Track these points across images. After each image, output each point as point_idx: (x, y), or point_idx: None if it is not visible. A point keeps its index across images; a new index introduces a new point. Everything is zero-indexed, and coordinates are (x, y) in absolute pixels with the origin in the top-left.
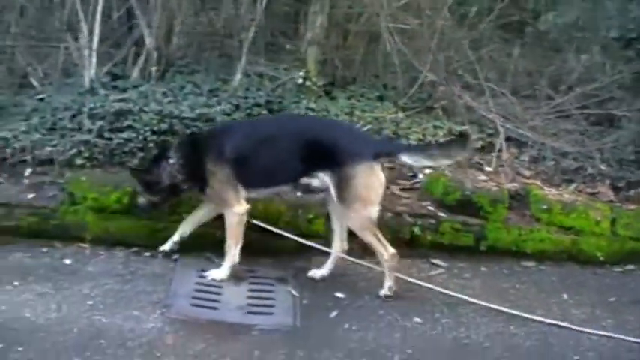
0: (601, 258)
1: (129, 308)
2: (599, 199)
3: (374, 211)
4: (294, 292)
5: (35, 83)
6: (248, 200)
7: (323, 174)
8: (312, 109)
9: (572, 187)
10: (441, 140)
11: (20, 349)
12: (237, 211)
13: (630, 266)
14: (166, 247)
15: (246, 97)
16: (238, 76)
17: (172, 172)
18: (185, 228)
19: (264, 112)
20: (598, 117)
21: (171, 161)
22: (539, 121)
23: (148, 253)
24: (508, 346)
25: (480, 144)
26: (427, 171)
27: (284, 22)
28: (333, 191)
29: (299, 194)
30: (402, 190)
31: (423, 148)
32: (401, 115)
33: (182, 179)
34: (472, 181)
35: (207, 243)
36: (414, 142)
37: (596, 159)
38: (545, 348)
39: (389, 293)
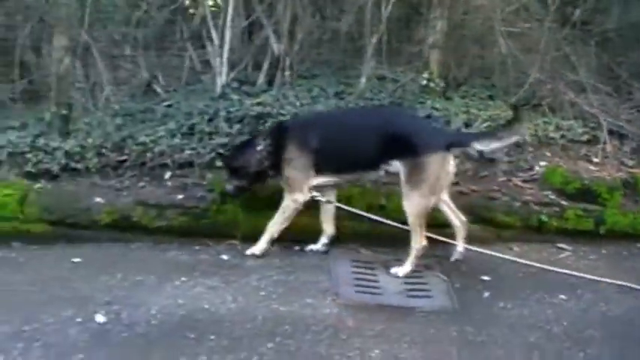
0: None
1: (301, 297)
2: None
3: (433, 200)
4: (443, 277)
5: (159, 90)
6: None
7: (398, 162)
8: (437, 109)
9: None
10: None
11: (212, 337)
12: (297, 198)
13: None
14: (318, 246)
15: (372, 99)
16: (364, 80)
17: (260, 158)
18: (328, 227)
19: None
20: None
21: (258, 148)
22: (627, 114)
23: (297, 247)
24: None
25: (586, 137)
26: (542, 163)
27: (399, 27)
28: (403, 177)
29: None
30: (524, 181)
31: (489, 133)
32: (511, 113)
33: (268, 165)
34: (585, 171)
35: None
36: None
37: None
38: None
39: (400, 275)
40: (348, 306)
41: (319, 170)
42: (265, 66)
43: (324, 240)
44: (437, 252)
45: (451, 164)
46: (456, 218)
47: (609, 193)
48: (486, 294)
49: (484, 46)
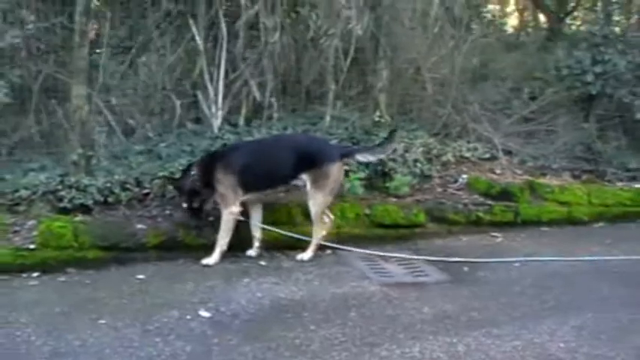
0: (585, 219)
1: (346, 282)
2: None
3: (331, 198)
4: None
5: (150, 135)
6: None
7: (305, 174)
8: (387, 138)
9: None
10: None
11: (305, 314)
12: (233, 210)
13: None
14: (252, 252)
15: (333, 134)
16: (328, 119)
17: (192, 180)
18: (256, 233)
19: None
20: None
21: (192, 173)
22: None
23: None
24: None
25: (487, 155)
26: (464, 175)
27: (351, 78)
28: (309, 184)
29: None
30: (456, 189)
31: (368, 148)
32: (432, 139)
33: (200, 186)
34: (494, 180)
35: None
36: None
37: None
38: None
39: (306, 259)
40: (383, 285)
41: (246, 188)
42: (243, 110)
43: (256, 244)
44: (417, 245)
45: (342, 171)
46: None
47: (520, 193)
48: (465, 269)
49: (411, 89)
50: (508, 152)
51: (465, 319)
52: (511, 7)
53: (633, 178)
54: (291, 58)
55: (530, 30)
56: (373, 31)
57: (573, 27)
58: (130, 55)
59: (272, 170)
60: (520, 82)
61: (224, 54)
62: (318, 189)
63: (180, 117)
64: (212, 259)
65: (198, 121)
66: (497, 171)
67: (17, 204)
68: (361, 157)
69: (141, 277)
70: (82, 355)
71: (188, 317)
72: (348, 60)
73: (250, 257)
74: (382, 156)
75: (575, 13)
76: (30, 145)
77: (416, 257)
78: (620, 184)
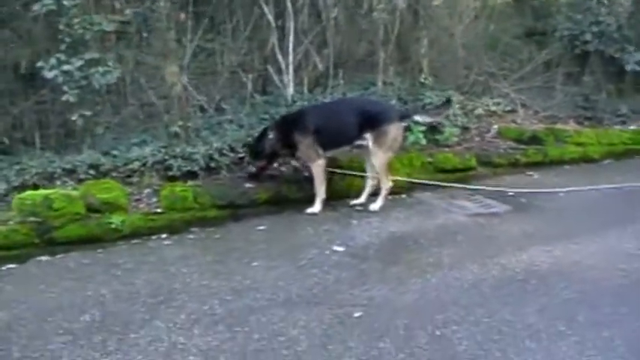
0: (597, 157)
1: (444, 216)
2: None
3: (391, 154)
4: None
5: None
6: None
7: (368, 134)
8: (431, 98)
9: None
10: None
11: (434, 244)
12: (319, 163)
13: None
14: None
15: (385, 97)
16: (380, 84)
17: (272, 144)
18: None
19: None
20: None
21: (270, 137)
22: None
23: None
24: None
25: (508, 108)
26: (494, 126)
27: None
28: (371, 142)
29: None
30: (491, 138)
31: (425, 110)
32: (462, 97)
33: (279, 147)
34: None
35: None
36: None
37: (562, 108)
38: None
39: (377, 209)
40: (467, 215)
41: (322, 147)
42: (306, 80)
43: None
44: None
45: (402, 130)
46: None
47: (546, 137)
48: (523, 200)
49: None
50: (523, 105)
51: (546, 235)
52: None
53: (624, 122)
54: (347, 31)
55: None
56: (411, 4)
57: None
58: (211, 35)
59: (341, 131)
60: (523, 45)
61: (292, 29)
62: (379, 146)
63: (250, 90)
64: (315, 207)
65: (264, 92)
66: (518, 121)
67: (129, 176)
68: (419, 118)
69: (261, 228)
70: (260, 289)
71: (327, 252)
72: (395, 30)
73: (347, 205)
74: (438, 118)
75: None
76: (124, 123)
77: (496, 189)
78: (617, 127)
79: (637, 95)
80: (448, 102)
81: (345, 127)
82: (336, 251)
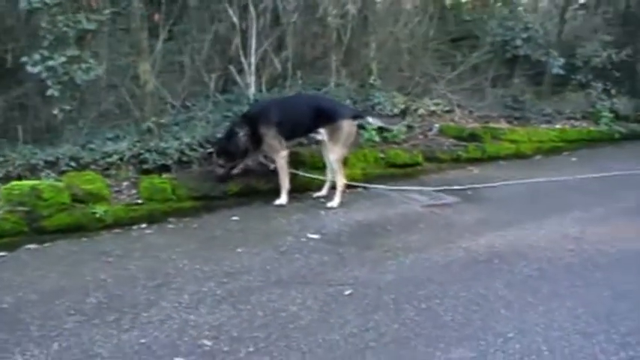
0: (529, 153)
1: (404, 207)
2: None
3: (346, 150)
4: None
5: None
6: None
7: (323, 129)
8: (379, 98)
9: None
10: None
11: (393, 227)
12: (283, 155)
13: (539, 156)
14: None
15: (338, 96)
16: (332, 84)
17: (243, 140)
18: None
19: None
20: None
21: (240, 134)
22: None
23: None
24: None
25: (447, 109)
26: (436, 125)
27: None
28: (326, 138)
29: None
30: (434, 136)
31: (380, 115)
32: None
33: (249, 144)
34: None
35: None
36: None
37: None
38: None
39: (335, 206)
40: (422, 206)
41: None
42: (264, 79)
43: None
44: (421, 179)
45: (355, 128)
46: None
47: (484, 135)
48: (469, 192)
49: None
50: (459, 105)
51: (498, 222)
52: None
53: (549, 122)
54: (303, 35)
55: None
56: (362, 10)
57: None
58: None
59: (298, 122)
60: (455, 49)
61: (254, 32)
62: (335, 142)
63: (212, 89)
64: (282, 199)
65: (224, 91)
66: (456, 119)
67: (107, 168)
68: (371, 120)
69: (235, 218)
70: (251, 272)
71: (303, 240)
72: (347, 34)
73: (310, 197)
74: (388, 126)
75: None
76: (97, 119)
77: (459, 187)
78: (544, 126)
79: (554, 97)
80: (403, 113)
81: (302, 120)
82: (311, 238)
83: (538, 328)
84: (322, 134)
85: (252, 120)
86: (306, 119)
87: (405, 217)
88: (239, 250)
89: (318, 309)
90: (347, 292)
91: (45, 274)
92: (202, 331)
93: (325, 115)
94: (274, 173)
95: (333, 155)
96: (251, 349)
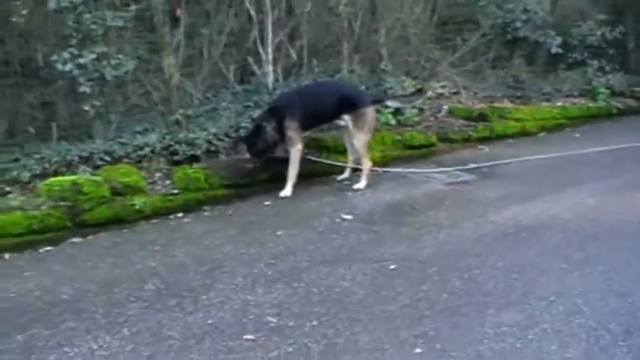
0: (534, 130)
1: (427, 187)
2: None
3: (370, 135)
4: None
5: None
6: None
7: (347, 116)
8: (391, 83)
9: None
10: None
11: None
12: (299, 148)
13: (543, 133)
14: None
15: (351, 82)
16: (345, 71)
17: (272, 135)
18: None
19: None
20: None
21: (268, 129)
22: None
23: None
24: None
25: (453, 90)
26: (444, 106)
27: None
28: (350, 124)
29: None
30: (444, 117)
31: (396, 97)
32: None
33: (278, 137)
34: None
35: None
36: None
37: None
38: None
39: (362, 188)
40: (444, 185)
41: (304, 128)
42: (280, 67)
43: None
44: (436, 159)
45: (375, 113)
46: (351, 155)
47: (492, 114)
48: (485, 170)
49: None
50: (464, 87)
51: (519, 196)
52: None
53: (548, 100)
54: (316, 24)
55: None
56: None
57: None
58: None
59: (322, 111)
60: (456, 32)
61: (270, 23)
62: (359, 129)
63: (232, 80)
64: (287, 191)
65: (242, 82)
66: (462, 101)
67: (139, 161)
68: (390, 103)
69: (267, 203)
70: (296, 253)
71: (337, 220)
72: (359, 22)
73: (334, 180)
74: (406, 105)
75: None
76: (126, 113)
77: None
78: (544, 104)
79: (549, 75)
80: (419, 91)
81: (325, 108)
82: (345, 219)
83: (576, 291)
84: (345, 121)
85: (278, 113)
86: (330, 107)
87: (430, 196)
88: (279, 232)
89: (369, 283)
90: (392, 267)
91: (95, 265)
92: (264, 309)
93: (348, 103)
94: (305, 160)
95: (358, 142)
96: (315, 323)
